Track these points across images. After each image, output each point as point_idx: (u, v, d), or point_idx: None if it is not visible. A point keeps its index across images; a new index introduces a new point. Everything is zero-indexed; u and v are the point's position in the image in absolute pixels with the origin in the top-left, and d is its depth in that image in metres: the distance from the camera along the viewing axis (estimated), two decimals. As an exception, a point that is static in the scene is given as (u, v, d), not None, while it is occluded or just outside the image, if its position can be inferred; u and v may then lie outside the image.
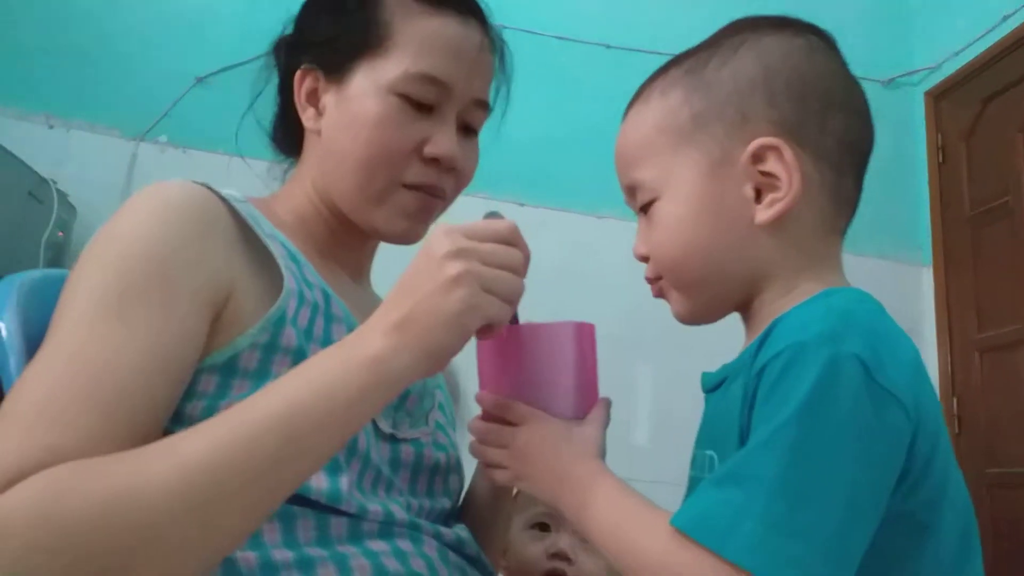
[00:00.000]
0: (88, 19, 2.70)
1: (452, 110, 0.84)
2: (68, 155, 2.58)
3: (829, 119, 0.68)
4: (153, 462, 0.57)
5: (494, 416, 0.75)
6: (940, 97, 3.18)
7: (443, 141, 0.83)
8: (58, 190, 2.35)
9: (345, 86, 0.83)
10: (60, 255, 2.41)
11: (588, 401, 0.75)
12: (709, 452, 0.67)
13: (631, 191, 0.74)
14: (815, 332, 0.57)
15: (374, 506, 0.73)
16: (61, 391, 0.60)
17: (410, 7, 0.83)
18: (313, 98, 0.86)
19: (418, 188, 0.84)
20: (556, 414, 0.73)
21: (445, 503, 0.87)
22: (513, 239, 0.68)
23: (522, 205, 2.72)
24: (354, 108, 0.82)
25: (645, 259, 0.74)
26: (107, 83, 2.68)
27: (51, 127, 2.63)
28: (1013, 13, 2.81)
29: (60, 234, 2.38)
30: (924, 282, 3.11)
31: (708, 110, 0.68)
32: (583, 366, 0.76)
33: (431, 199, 0.85)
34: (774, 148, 0.66)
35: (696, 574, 0.54)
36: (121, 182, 2.63)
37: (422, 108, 0.82)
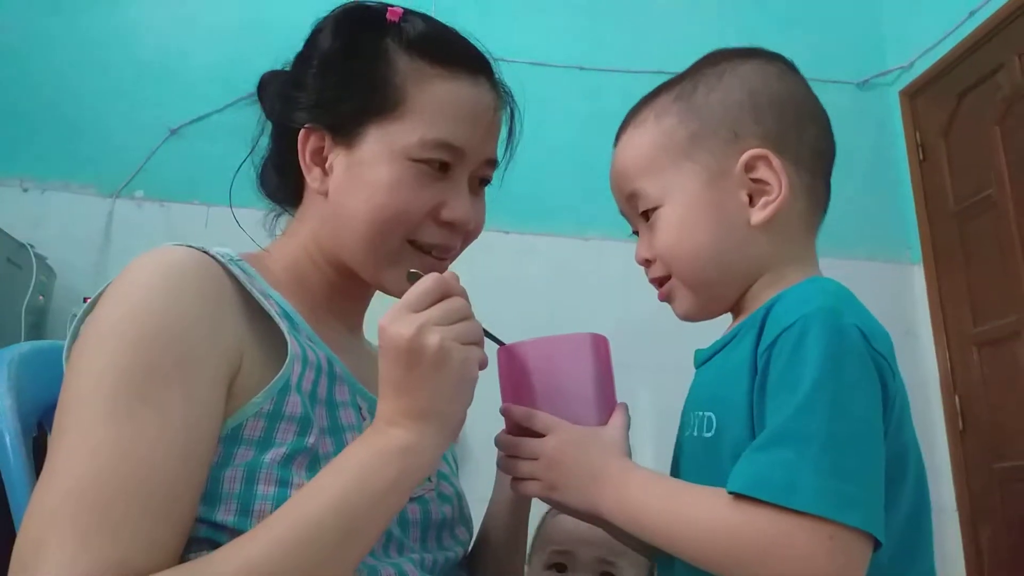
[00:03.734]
0: (55, 78, 2.70)
1: (465, 172, 0.84)
2: (44, 217, 2.55)
3: (804, 130, 0.80)
4: (226, 573, 0.59)
5: (520, 428, 0.78)
6: (915, 95, 3.20)
7: (459, 206, 0.83)
8: (36, 254, 2.32)
9: (355, 149, 0.81)
10: (41, 319, 2.38)
11: (608, 407, 0.79)
12: (707, 413, 0.74)
13: (632, 198, 0.82)
14: (817, 306, 0.66)
15: (386, 568, 0.73)
16: (113, 496, 0.59)
17: (423, 70, 0.81)
18: (318, 158, 0.84)
19: (431, 250, 0.84)
20: (579, 422, 0.76)
21: (457, 553, 0.87)
22: (446, 289, 0.71)
23: (507, 233, 2.71)
24: (366, 173, 0.80)
25: (648, 263, 0.83)
26: (79, 141, 2.67)
27: (25, 190, 2.61)
28: (979, 8, 2.84)
29: (40, 298, 2.35)
30: (916, 281, 3.11)
31: (703, 130, 0.79)
32: (601, 375, 0.79)
33: (440, 262, 0.85)
34: (763, 157, 0.77)
35: (766, 530, 0.61)
36: (99, 240, 2.61)
37: (436, 172, 0.81)
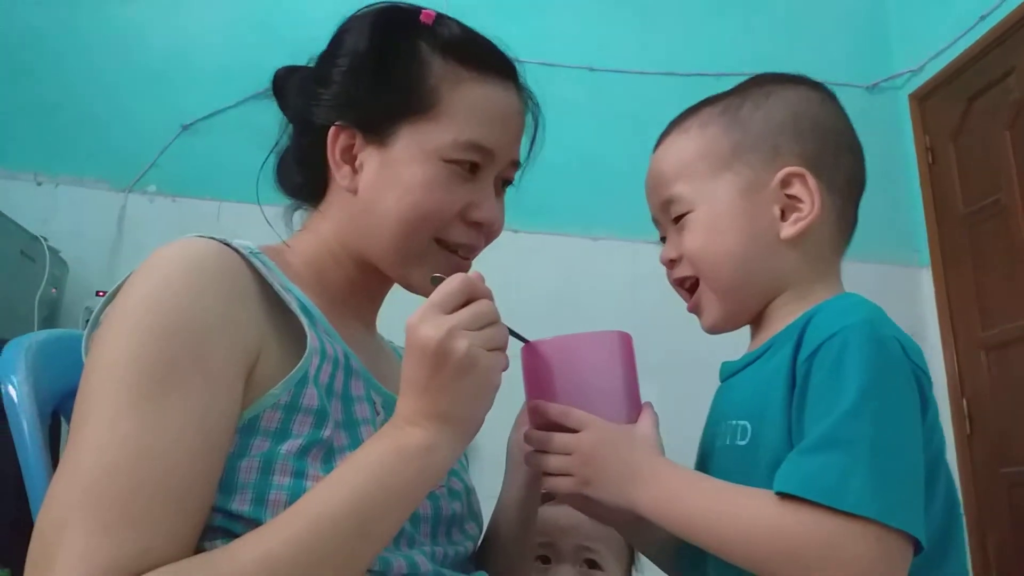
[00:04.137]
0: (70, 74, 2.71)
1: (492, 173, 0.86)
2: (57, 211, 2.57)
3: (840, 157, 0.83)
4: (245, 564, 0.60)
5: (548, 425, 0.78)
6: (924, 99, 3.20)
7: (488, 207, 0.85)
8: (49, 247, 2.34)
9: (388, 148, 0.83)
10: (54, 312, 2.39)
11: (636, 405, 0.79)
12: (742, 423, 0.76)
13: (666, 204, 0.85)
14: (858, 319, 0.69)
15: (397, 560, 0.73)
16: (137, 488, 0.60)
17: (457, 73, 0.83)
18: (347, 155, 0.85)
19: (457, 249, 0.86)
20: (609, 419, 0.76)
21: (467, 547, 0.88)
22: (473, 292, 0.71)
23: (516, 232, 2.71)
24: (399, 172, 0.82)
25: (672, 263, 0.86)
26: (93, 136, 2.69)
27: (39, 184, 2.62)
28: (989, 13, 2.83)
29: (53, 291, 2.37)
30: (924, 284, 3.10)
31: (745, 143, 0.82)
32: (629, 372, 0.80)
33: (465, 261, 0.87)
34: (800, 175, 0.80)
35: (816, 530, 0.63)
36: (112, 235, 2.62)
37: (466, 173, 0.83)
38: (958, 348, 2.96)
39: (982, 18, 2.86)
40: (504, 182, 0.90)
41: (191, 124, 2.73)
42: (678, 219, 0.83)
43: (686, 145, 0.85)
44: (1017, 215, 2.70)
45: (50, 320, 2.35)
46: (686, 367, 2.37)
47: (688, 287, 0.86)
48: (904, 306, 2.97)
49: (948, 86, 3.08)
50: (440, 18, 0.86)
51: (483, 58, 0.85)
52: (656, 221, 0.89)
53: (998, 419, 2.76)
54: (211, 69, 2.78)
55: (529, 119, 0.92)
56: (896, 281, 3.04)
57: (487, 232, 0.88)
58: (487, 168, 0.85)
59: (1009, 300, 2.73)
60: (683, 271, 0.85)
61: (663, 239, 0.88)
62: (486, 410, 0.72)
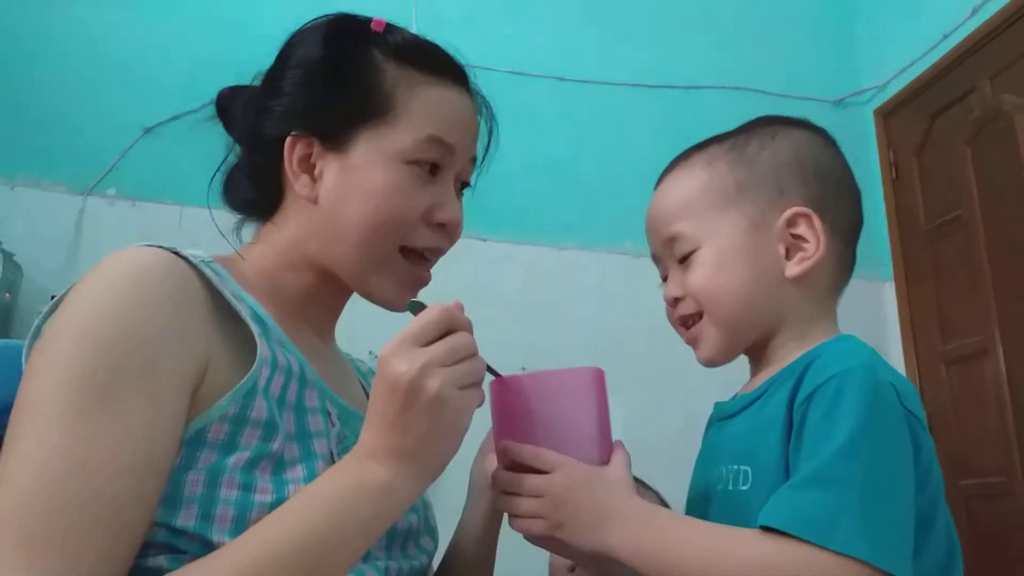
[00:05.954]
0: (28, 73, 2.65)
1: (452, 173, 0.86)
2: (13, 213, 2.50)
3: (842, 201, 0.85)
4: None
5: (516, 465, 0.75)
6: (889, 115, 3.24)
7: (450, 208, 0.85)
8: (3, 250, 2.28)
9: (347, 155, 0.83)
10: (7, 317, 2.33)
11: (608, 445, 0.77)
12: (743, 467, 0.75)
13: (669, 241, 0.85)
14: (856, 363, 0.70)
15: (351, 574, 0.71)
16: (64, 505, 0.58)
17: (412, 77, 0.84)
18: (305, 164, 0.84)
19: (422, 253, 0.85)
20: (581, 459, 0.74)
21: (423, 561, 0.86)
22: (453, 323, 0.69)
23: (484, 240, 2.70)
24: (360, 178, 0.82)
25: (676, 301, 0.85)
26: (51, 138, 2.62)
27: (-6, 186, 2.56)
28: (952, 32, 2.88)
29: (7, 295, 2.30)
30: (887, 297, 3.14)
31: (751, 181, 0.83)
32: (602, 411, 0.77)
33: (426, 272, 0.87)
34: (806, 216, 0.81)
35: (804, 567, 0.62)
36: (69, 238, 2.56)
37: (427, 175, 0.83)
38: (919, 361, 3.00)
39: (945, 37, 2.91)
40: (463, 185, 0.91)
41: (153, 127, 2.68)
42: (684, 259, 0.83)
43: (691, 180, 0.85)
44: (977, 231, 2.74)
45: (3, 325, 2.29)
46: (651, 378, 2.42)
47: (689, 325, 0.85)
48: (867, 320, 3.01)
49: (912, 103, 3.12)
50: (390, 26, 0.87)
51: (436, 62, 0.86)
52: (656, 258, 0.89)
53: (958, 432, 2.80)
54: (174, 72, 2.73)
55: (483, 124, 0.93)
56: (860, 295, 3.05)
57: (450, 233, 0.87)
58: (447, 168, 0.85)
59: (969, 315, 2.77)
60: (687, 308, 0.84)
61: (664, 278, 0.88)
62: (452, 452, 0.70)
